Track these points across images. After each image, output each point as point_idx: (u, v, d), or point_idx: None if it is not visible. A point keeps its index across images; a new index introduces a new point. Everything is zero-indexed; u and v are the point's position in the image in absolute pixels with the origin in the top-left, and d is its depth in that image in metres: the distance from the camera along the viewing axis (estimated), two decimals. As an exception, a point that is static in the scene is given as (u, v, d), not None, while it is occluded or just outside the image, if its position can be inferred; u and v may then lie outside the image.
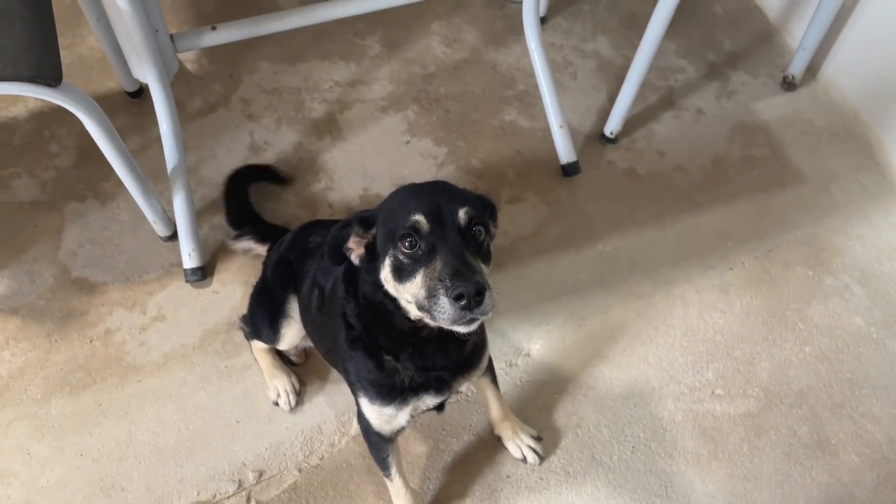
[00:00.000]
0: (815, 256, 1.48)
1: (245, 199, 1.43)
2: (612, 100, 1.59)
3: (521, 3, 1.55)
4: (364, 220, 0.91)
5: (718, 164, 1.60)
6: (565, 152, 1.55)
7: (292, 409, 1.27)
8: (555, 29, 1.80)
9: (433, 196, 0.88)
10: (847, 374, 1.35)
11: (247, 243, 1.39)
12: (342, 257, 0.92)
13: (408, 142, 1.61)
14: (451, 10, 1.81)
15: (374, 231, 0.91)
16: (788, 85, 1.69)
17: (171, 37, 1.35)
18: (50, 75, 1.04)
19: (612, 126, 1.58)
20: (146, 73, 1.31)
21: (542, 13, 1.76)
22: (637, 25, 1.80)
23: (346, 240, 0.91)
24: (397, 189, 0.94)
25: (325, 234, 1.08)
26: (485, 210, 0.92)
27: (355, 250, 0.92)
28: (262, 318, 1.23)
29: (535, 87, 1.64)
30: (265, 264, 1.29)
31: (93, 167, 1.51)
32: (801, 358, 1.36)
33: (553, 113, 1.55)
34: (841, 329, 1.40)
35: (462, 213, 0.86)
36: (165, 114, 1.34)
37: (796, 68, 1.67)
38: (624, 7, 1.84)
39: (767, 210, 1.53)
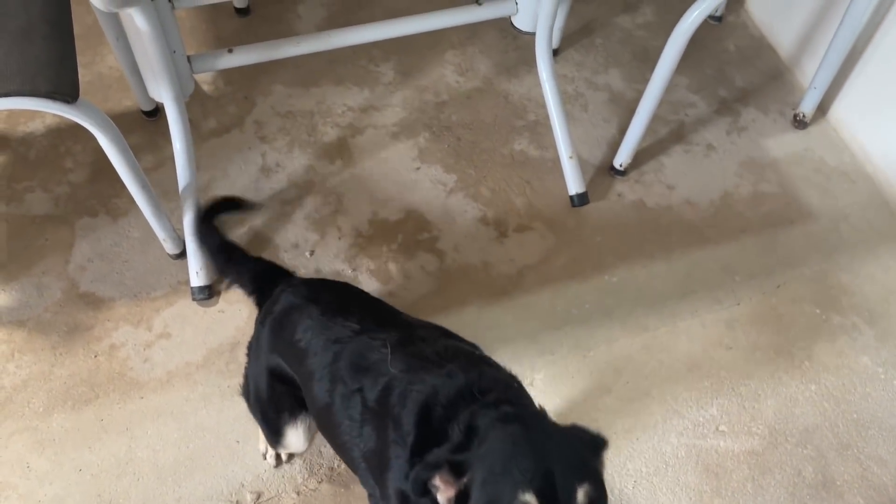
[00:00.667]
0: (824, 294, 1.47)
1: (220, 239, 1.20)
2: (622, 132, 1.60)
3: (534, 35, 1.57)
4: (456, 466, 0.76)
5: (727, 199, 1.60)
6: (574, 183, 1.55)
7: (276, 467, 1.23)
8: (567, 61, 1.81)
9: (546, 461, 0.73)
10: (854, 414, 1.33)
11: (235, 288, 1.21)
12: (426, 491, 0.78)
13: (418, 168, 1.62)
14: (465, 40, 1.83)
15: (465, 480, 0.76)
16: (799, 123, 1.70)
17: (189, 58, 1.37)
18: (67, 92, 1.06)
19: (621, 158, 1.59)
20: (162, 92, 1.34)
21: (554, 45, 1.78)
22: (649, 59, 1.81)
23: (430, 480, 0.77)
24: (500, 432, 0.78)
25: (312, 329, 0.95)
26: (602, 488, 0.75)
27: (443, 491, 0.76)
28: (259, 419, 1.11)
29: (546, 117, 1.66)
30: (258, 327, 1.06)
31: (106, 184, 1.53)
32: (807, 396, 1.35)
33: (563, 143, 1.56)
34: (848, 368, 1.38)
35: (581, 496, 0.71)
36: (179, 133, 1.36)
37: (807, 107, 1.68)
38: (637, 42, 1.85)
39: (776, 246, 1.53)
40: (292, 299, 1.02)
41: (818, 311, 1.45)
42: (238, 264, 1.17)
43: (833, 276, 1.49)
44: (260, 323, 1.06)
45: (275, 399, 1.05)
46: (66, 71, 1.08)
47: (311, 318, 0.98)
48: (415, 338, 0.95)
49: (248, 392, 1.11)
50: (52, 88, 1.05)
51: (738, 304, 1.45)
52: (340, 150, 1.64)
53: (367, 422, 0.89)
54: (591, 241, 1.53)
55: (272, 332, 1.02)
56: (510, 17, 1.57)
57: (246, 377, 1.12)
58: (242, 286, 1.16)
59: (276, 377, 1.03)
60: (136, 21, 1.19)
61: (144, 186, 1.27)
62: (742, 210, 1.58)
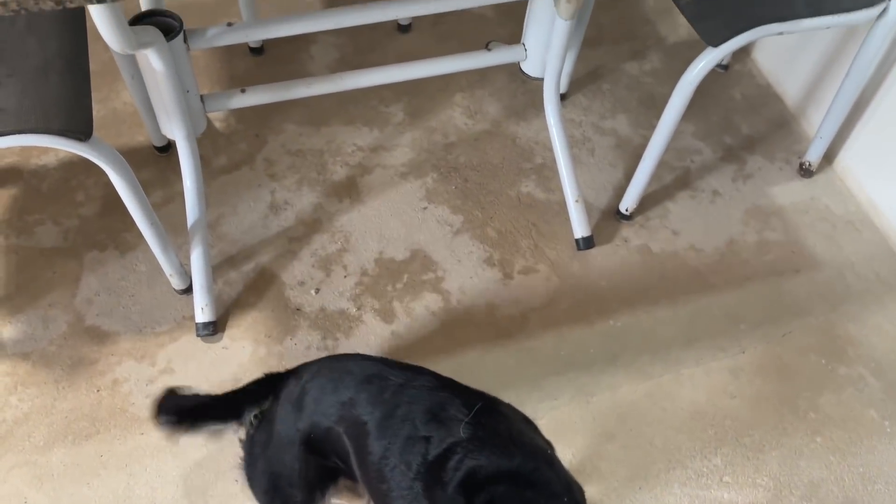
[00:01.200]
0: (830, 344, 1.46)
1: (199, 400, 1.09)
2: (628, 177, 1.61)
3: (542, 80, 1.59)
4: None
5: (733, 246, 1.60)
6: (580, 226, 1.56)
7: None
8: (575, 105, 1.83)
9: None
10: (860, 467, 1.31)
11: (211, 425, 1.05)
12: None
13: (425, 208, 1.63)
14: (474, 83, 1.86)
15: None
16: (805, 171, 1.71)
17: (202, 97, 1.39)
18: (81, 130, 1.08)
19: (627, 203, 1.59)
20: (174, 131, 1.36)
21: (563, 90, 1.80)
22: (656, 106, 1.83)
23: None
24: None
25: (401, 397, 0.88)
26: None
27: None
28: None
29: (553, 161, 1.67)
30: (250, 444, 1.00)
31: (116, 218, 1.54)
32: (812, 448, 1.33)
33: (569, 187, 1.57)
34: (854, 421, 1.37)
35: None
36: (190, 171, 1.38)
37: (813, 156, 1.69)
38: (644, 88, 1.88)
39: (781, 295, 1.52)
40: (349, 364, 0.98)
41: (824, 361, 1.44)
42: (240, 398, 1.06)
43: (839, 326, 1.49)
44: (298, 391, 0.99)
45: (306, 475, 0.97)
46: (81, 109, 1.10)
47: (375, 372, 0.94)
48: (496, 411, 0.93)
49: (261, 479, 1.02)
50: (66, 126, 1.07)
51: (743, 353, 1.45)
52: (349, 189, 1.66)
53: (420, 477, 0.85)
54: (596, 286, 1.53)
55: (319, 392, 0.96)
56: (519, 62, 1.59)
57: (253, 462, 1.02)
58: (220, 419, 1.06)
59: (311, 446, 0.96)
60: (152, 61, 1.21)
61: (154, 223, 1.28)
62: (747, 257, 1.58)
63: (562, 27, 1.43)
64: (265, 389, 1.04)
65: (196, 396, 1.08)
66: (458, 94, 1.85)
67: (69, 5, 0.72)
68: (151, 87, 1.32)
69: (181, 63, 1.27)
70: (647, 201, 1.65)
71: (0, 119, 1.05)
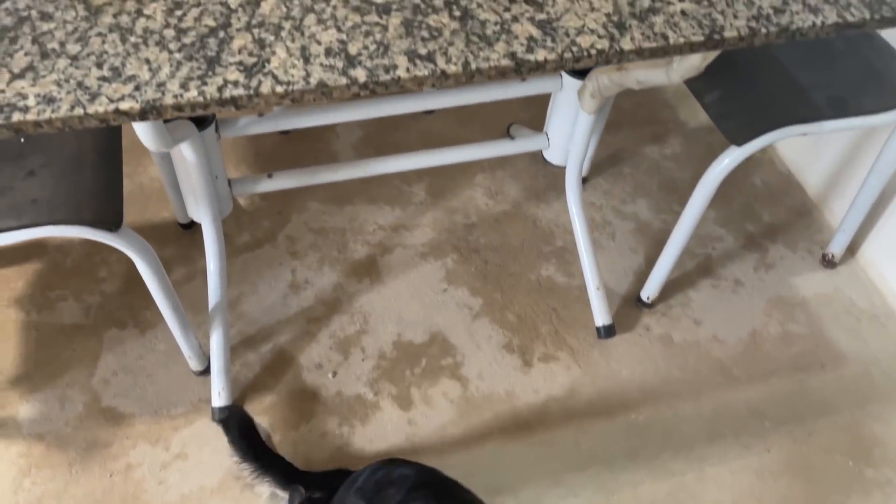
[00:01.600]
0: (856, 445, 1.43)
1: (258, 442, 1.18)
2: (649, 262, 1.61)
3: (565, 167, 1.60)
4: None
5: (756, 337, 1.58)
6: (601, 314, 1.55)
7: None
8: (595, 189, 1.84)
9: None
10: (892, 580, 1.27)
11: (266, 486, 1.12)
12: None
13: (445, 290, 1.63)
14: (495, 164, 1.87)
15: None
16: (828, 262, 1.70)
17: (230, 181, 1.41)
18: (111, 220, 1.09)
19: (649, 291, 1.59)
20: (201, 214, 1.37)
21: (583, 173, 1.81)
22: (676, 191, 1.84)
23: None
24: None
25: None
26: None
27: None
28: None
29: (574, 244, 1.67)
30: None
31: (137, 295, 1.55)
32: (841, 557, 1.29)
33: (590, 273, 1.57)
34: (885, 528, 1.33)
35: None
36: (214, 254, 1.38)
37: (836, 247, 1.68)
38: (664, 173, 1.89)
39: (806, 391, 1.50)
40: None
41: (851, 462, 1.40)
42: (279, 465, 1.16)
43: (865, 425, 1.45)
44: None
45: None
46: (112, 200, 1.11)
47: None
48: None
49: None
50: (97, 217, 1.08)
51: (769, 451, 1.41)
52: (369, 269, 1.66)
53: None
54: (618, 375, 1.51)
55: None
56: (542, 150, 1.61)
57: None
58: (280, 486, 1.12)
59: None
60: (183, 151, 1.23)
61: (176, 308, 1.28)
62: (770, 350, 1.56)
63: (585, 120, 1.44)
64: (325, 480, 1.05)
65: (266, 441, 1.15)
66: (480, 174, 1.86)
67: (113, 123, 0.73)
68: (180, 172, 1.34)
69: (212, 151, 1.29)
70: (669, 288, 1.64)
71: (33, 209, 1.06)
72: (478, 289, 1.64)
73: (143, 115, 0.74)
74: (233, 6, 0.84)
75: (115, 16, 0.81)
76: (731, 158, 1.31)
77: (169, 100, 0.74)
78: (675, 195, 1.83)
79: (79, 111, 0.72)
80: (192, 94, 0.75)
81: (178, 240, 1.66)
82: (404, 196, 1.81)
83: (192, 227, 1.67)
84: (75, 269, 1.59)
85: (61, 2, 0.82)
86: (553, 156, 1.59)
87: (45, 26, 0.79)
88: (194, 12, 0.83)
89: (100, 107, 0.72)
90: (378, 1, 0.86)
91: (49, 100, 0.72)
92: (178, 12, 0.82)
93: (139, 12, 0.82)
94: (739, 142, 1.29)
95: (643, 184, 1.87)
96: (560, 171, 1.72)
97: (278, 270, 1.64)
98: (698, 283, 1.67)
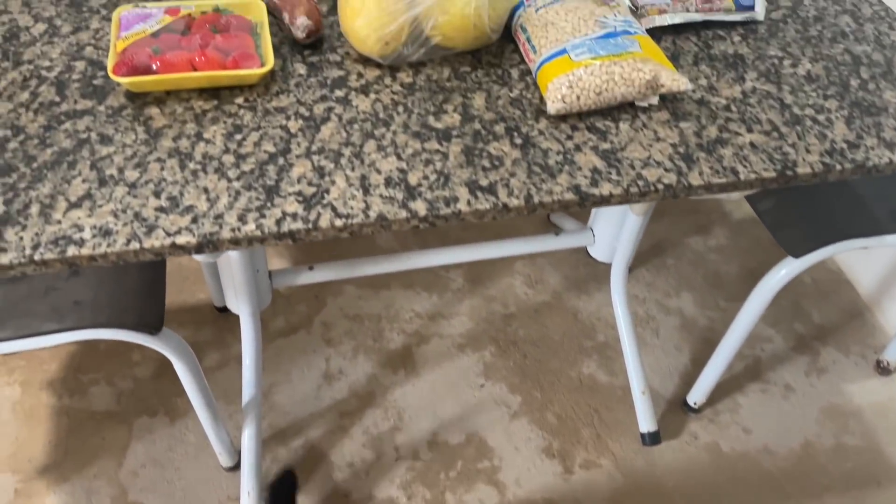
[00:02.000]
0: (920, 575, 1.34)
1: None
2: (695, 362, 1.55)
3: (609, 264, 1.57)
4: None
5: (809, 449, 1.50)
6: (646, 420, 1.49)
7: None
8: (638, 280, 1.80)
9: None
10: None
11: None
12: None
13: (482, 385, 1.58)
14: (535, 252, 1.84)
15: None
16: (882, 370, 1.63)
17: (270, 273, 1.39)
18: (152, 324, 1.07)
19: (696, 396, 1.52)
20: (240, 306, 1.35)
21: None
22: (722, 285, 1.79)
23: None
24: None
25: None
26: None
27: None
28: None
29: (616, 339, 1.62)
30: None
31: (168, 381, 1.52)
32: None
33: (635, 375, 1.52)
34: None
35: None
36: (250, 349, 1.36)
37: (891, 354, 1.61)
38: (709, 265, 1.84)
39: (864, 513, 1.42)
40: None
41: None
42: None
43: (930, 553, 1.37)
44: None
45: None
46: (154, 303, 1.09)
47: None
48: None
49: None
50: (139, 321, 1.06)
51: (825, 579, 1.33)
52: (404, 360, 1.62)
53: None
54: (663, 487, 1.44)
55: None
56: (586, 246, 1.58)
57: None
58: None
59: None
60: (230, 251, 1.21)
61: (209, 405, 1.25)
62: (824, 463, 1.49)
63: (634, 220, 1.41)
64: None
65: None
66: (519, 261, 1.83)
67: (168, 256, 0.71)
68: (222, 264, 1.32)
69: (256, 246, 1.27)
70: (717, 392, 1.58)
71: (75, 312, 1.05)
72: (516, 385, 1.59)
73: (199, 250, 0.72)
74: (293, 130, 0.83)
75: (174, 139, 0.80)
76: (787, 270, 1.27)
77: (226, 234, 0.72)
78: (721, 290, 1.78)
79: (135, 245, 0.70)
80: (251, 227, 0.72)
81: (214, 322, 1.64)
82: (442, 282, 1.78)
83: (228, 310, 1.65)
84: (109, 352, 1.57)
85: (121, 123, 0.81)
86: (598, 252, 1.56)
87: (105, 150, 0.78)
88: (254, 136, 0.81)
89: (156, 240, 0.70)
90: (438, 126, 0.85)
91: (105, 232, 0.70)
92: (238, 136, 0.81)
93: (199, 135, 0.81)
94: (797, 254, 1.25)
95: (687, 276, 1.82)
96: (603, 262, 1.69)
97: (312, 358, 1.60)
98: (747, 387, 1.61)
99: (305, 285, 1.73)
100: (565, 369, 1.62)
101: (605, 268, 1.77)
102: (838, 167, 0.84)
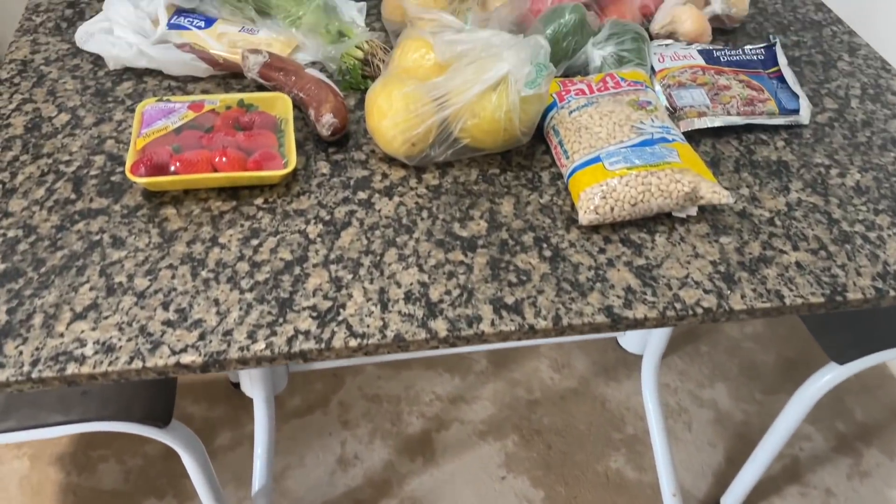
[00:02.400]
0: None
1: None
2: (729, 461, 1.46)
3: (641, 355, 1.50)
4: None
5: (852, 565, 1.40)
6: (676, 525, 1.40)
7: None
8: (669, 368, 1.73)
9: None
10: None
11: None
12: None
13: (503, 477, 1.51)
14: (563, 334, 1.78)
15: None
16: (933, 478, 1.52)
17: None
18: (160, 417, 1.03)
19: (731, 499, 1.44)
20: (254, 391, 1.31)
21: (658, 353, 1.70)
22: (758, 376, 1.70)
23: None
24: None
25: None
26: None
27: None
28: None
29: (646, 432, 1.55)
30: None
31: (179, 461, 1.46)
32: None
33: (665, 475, 1.43)
34: None
35: None
36: (263, 435, 1.31)
37: (943, 462, 1.51)
38: (745, 354, 1.76)
39: None
40: None
41: None
42: None
43: None
44: None
45: None
46: (164, 396, 1.05)
47: None
48: None
49: None
50: (147, 414, 1.02)
51: None
52: (423, 446, 1.56)
53: None
54: None
55: None
56: (617, 337, 1.51)
57: None
58: None
59: None
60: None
61: (219, 498, 1.19)
62: (870, 582, 1.38)
63: (667, 314, 1.35)
64: None
65: None
66: (545, 343, 1.77)
67: (170, 375, 0.67)
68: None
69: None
70: (752, 495, 1.48)
71: (82, 404, 1.01)
72: (539, 479, 1.51)
73: (204, 369, 0.68)
74: (311, 235, 0.79)
75: (188, 244, 0.77)
76: (832, 376, 1.19)
77: (234, 353, 0.68)
78: (757, 382, 1.70)
79: (137, 364, 0.66)
80: (260, 346, 0.68)
81: (229, 400, 1.60)
82: (465, 363, 1.72)
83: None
84: (121, 428, 1.53)
85: (136, 225, 0.79)
86: (630, 344, 1.50)
87: (116, 254, 0.75)
88: (271, 242, 0.78)
89: (160, 359, 0.67)
90: (464, 234, 0.81)
91: (108, 348, 0.67)
92: (255, 241, 0.78)
93: (214, 240, 0.78)
94: (842, 361, 1.17)
95: (722, 365, 1.74)
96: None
97: (327, 441, 1.55)
98: (785, 490, 1.51)
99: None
100: (591, 463, 1.55)
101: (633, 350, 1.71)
102: (892, 293, 0.78)
